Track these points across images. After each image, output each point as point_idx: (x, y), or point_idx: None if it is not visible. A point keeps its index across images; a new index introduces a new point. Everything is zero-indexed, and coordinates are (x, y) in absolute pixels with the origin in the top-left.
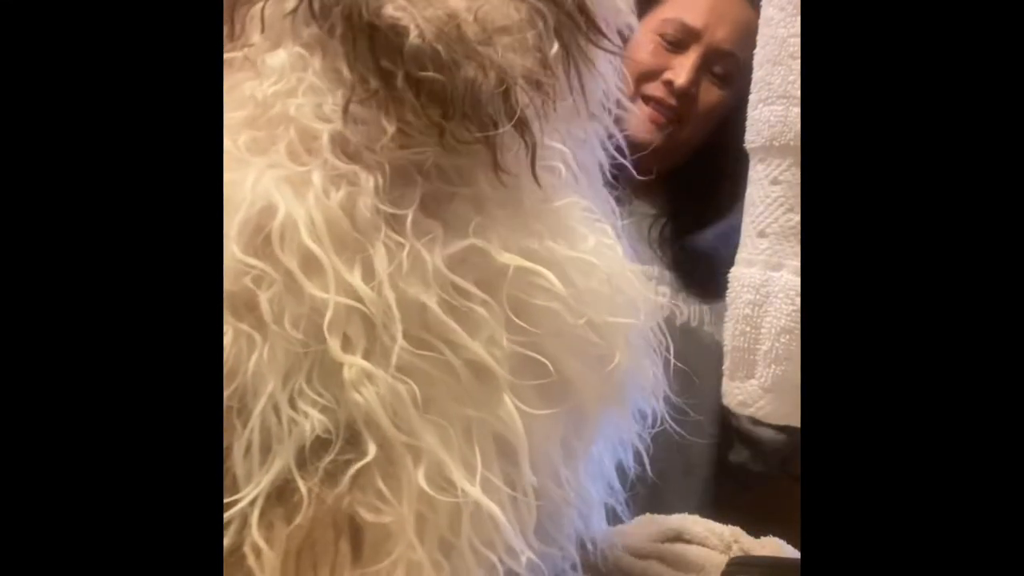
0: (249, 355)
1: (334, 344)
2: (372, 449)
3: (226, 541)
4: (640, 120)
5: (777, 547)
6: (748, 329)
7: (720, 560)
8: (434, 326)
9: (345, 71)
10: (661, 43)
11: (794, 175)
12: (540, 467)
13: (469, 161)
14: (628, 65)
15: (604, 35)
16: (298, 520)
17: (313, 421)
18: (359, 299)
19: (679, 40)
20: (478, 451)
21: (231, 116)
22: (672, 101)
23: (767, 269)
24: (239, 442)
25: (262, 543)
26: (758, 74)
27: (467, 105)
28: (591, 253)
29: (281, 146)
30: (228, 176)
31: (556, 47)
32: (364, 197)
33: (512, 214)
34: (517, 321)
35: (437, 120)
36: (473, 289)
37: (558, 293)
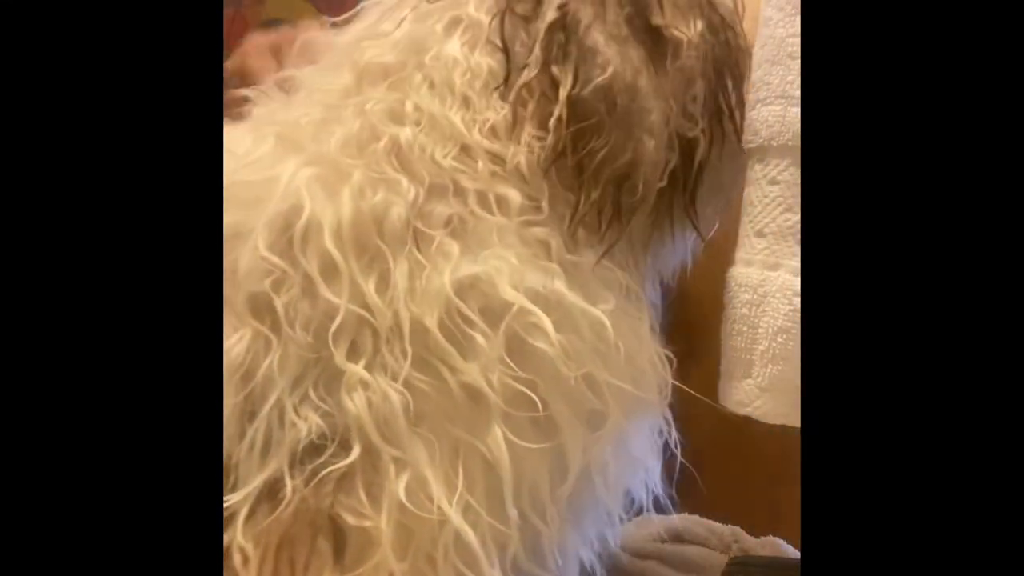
0: (265, 357)
1: (340, 351)
2: (356, 451)
3: None
4: None
5: (777, 547)
6: (745, 329)
7: (720, 560)
8: (434, 346)
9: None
10: None
11: (792, 175)
12: (526, 499)
13: (512, 192)
14: None
15: (695, 212)
16: (277, 514)
17: (311, 425)
18: (369, 309)
19: None
20: (462, 472)
21: (330, 87)
22: None
23: (764, 269)
24: (244, 443)
25: (248, 539)
26: (756, 74)
27: (615, 149)
28: (608, 315)
29: (337, 134)
30: (263, 173)
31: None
32: (398, 208)
33: (535, 253)
34: (507, 359)
35: (567, 134)
36: (475, 317)
37: (554, 339)
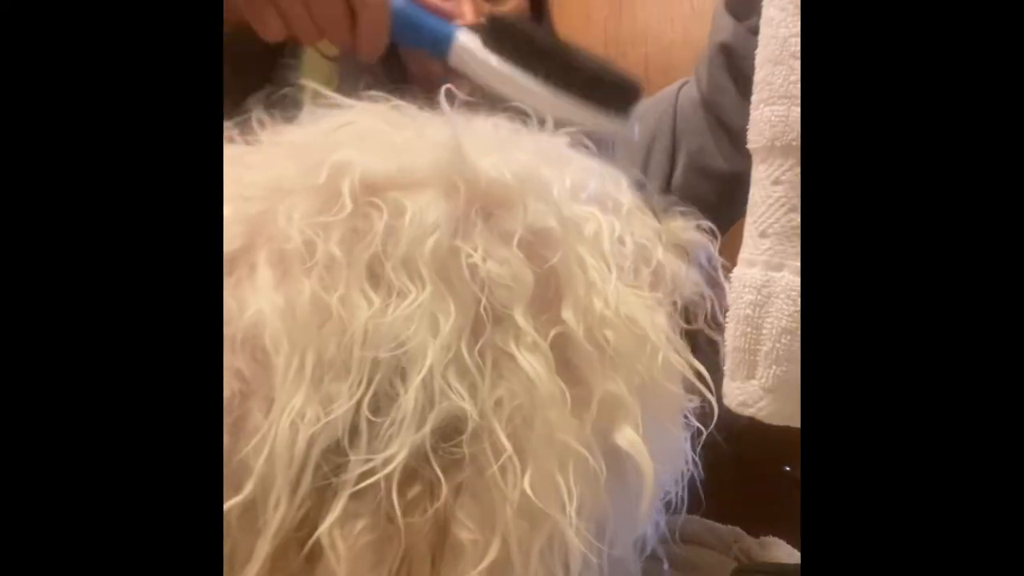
0: (438, 319)
1: (519, 308)
2: (508, 446)
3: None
4: None
5: (777, 547)
6: (749, 330)
7: (720, 560)
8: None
9: None
10: None
11: (796, 175)
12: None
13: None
14: None
15: None
16: (413, 518)
17: (467, 402)
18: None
19: None
20: (574, 484)
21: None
22: None
23: (768, 269)
24: (394, 405)
25: (341, 535)
26: (760, 75)
27: None
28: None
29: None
30: (415, 130)
31: None
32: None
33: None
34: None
35: None
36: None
37: (648, 346)
